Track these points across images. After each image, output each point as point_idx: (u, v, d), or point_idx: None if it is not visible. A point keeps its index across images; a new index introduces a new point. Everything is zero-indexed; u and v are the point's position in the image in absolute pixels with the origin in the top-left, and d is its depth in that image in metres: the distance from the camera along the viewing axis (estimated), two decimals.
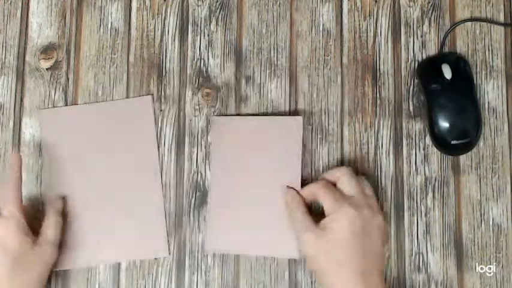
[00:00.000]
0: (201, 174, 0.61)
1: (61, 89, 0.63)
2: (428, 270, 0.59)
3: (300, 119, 0.61)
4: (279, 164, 0.60)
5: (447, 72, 0.59)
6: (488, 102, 0.62)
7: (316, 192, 0.57)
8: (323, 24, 0.64)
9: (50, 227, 0.56)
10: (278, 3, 0.64)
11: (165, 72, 0.63)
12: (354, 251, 0.53)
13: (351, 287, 0.52)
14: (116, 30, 0.64)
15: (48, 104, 0.63)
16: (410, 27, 0.63)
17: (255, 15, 0.64)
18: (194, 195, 0.61)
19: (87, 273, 0.60)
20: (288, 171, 0.60)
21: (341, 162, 0.61)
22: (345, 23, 0.64)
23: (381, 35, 0.63)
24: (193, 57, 0.63)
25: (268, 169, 0.60)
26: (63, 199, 0.60)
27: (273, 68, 0.63)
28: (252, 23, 0.64)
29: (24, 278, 0.53)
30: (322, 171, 0.61)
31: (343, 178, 0.56)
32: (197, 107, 0.63)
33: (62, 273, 0.60)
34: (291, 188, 0.59)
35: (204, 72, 0.63)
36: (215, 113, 0.62)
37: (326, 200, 0.55)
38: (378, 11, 0.64)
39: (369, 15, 0.64)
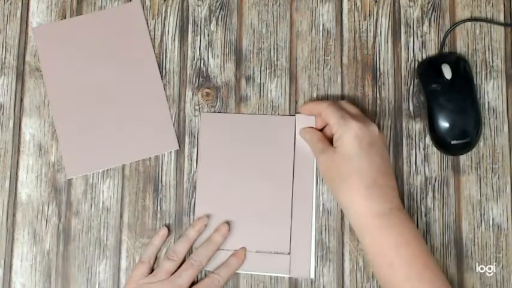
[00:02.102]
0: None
1: None
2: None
3: (292, 118, 0.61)
4: (270, 163, 0.61)
5: (447, 72, 0.59)
6: (488, 102, 0.62)
7: (322, 112, 0.57)
8: (323, 24, 0.64)
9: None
10: (278, 3, 0.64)
11: (165, 72, 0.63)
12: (362, 163, 0.53)
13: (358, 195, 0.53)
14: None
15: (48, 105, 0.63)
16: (410, 27, 0.63)
17: (255, 15, 0.64)
18: (194, 194, 0.61)
19: (87, 273, 0.60)
20: (279, 171, 0.60)
21: None
22: (345, 23, 0.64)
23: (380, 35, 0.63)
24: (193, 57, 0.63)
25: (258, 168, 0.61)
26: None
27: (273, 68, 0.63)
28: (252, 23, 0.64)
29: None
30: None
31: (328, 110, 0.56)
32: (197, 107, 0.63)
33: (62, 273, 0.60)
34: (306, 127, 0.60)
35: (204, 72, 0.63)
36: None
37: (332, 119, 0.56)
38: (377, 11, 0.64)
39: (369, 15, 0.64)
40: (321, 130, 0.60)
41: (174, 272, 0.57)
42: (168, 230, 0.60)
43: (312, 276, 0.59)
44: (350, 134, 0.54)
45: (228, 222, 0.60)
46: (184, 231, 0.60)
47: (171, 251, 0.58)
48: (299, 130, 0.61)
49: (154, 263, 0.59)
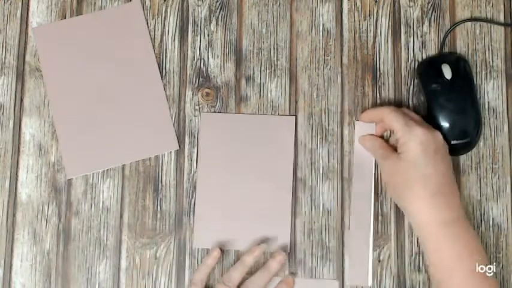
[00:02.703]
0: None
1: None
2: (429, 270, 0.59)
3: (292, 118, 0.61)
4: (270, 163, 0.61)
5: (447, 72, 0.59)
6: (488, 102, 0.62)
7: (385, 118, 0.57)
8: (323, 24, 0.64)
9: None
10: (278, 3, 0.64)
11: (165, 72, 0.63)
12: (427, 170, 0.53)
13: (423, 203, 0.53)
14: None
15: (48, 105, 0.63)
16: (410, 27, 0.63)
17: (255, 15, 0.64)
18: (194, 194, 0.61)
19: (87, 273, 0.60)
20: (279, 171, 0.60)
21: (341, 162, 0.61)
22: (345, 23, 0.64)
23: (380, 35, 0.63)
24: (193, 57, 0.63)
25: (258, 168, 0.61)
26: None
27: (273, 68, 0.63)
28: (252, 23, 0.64)
29: None
30: (322, 171, 0.61)
31: (391, 115, 0.56)
32: (197, 107, 0.63)
33: (62, 273, 0.60)
34: (365, 135, 0.60)
35: (204, 72, 0.63)
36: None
37: (396, 125, 0.55)
38: (377, 11, 0.64)
39: (369, 15, 0.64)
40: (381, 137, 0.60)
41: None
42: (221, 251, 0.59)
43: (370, 284, 0.59)
44: (415, 141, 0.54)
45: (283, 250, 0.59)
46: (184, 231, 0.60)
47: (226, 276, 0.56)
48: (358, 138, 0.60)
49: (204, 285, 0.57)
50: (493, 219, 0.60)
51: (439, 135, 0.55)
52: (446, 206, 0.53)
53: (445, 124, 0.59)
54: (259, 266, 0.58)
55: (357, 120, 0.62)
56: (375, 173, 0.61)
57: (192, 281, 0.57)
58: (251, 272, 0.57)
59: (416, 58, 0.63)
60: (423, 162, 0.53)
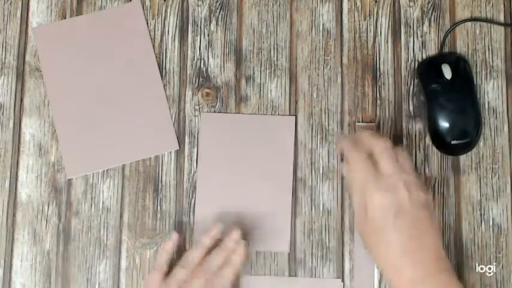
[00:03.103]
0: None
1: None
2: None
3: (292, 118, 0.61)
4: (270, 163, 0.61)
5: (447, 72, 0.59)
6: (488, 102, 0.62)
7: (352, 163, 0.52)
8: (323, 24, 0.64)
9: None
10: (278, 3, 0.64)
11: (165, 72, 0.63)
12: (389, 236, 0.49)
13: (388, 265, 0.50)
14: None
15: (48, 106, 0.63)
16: (410, 27, 0.63)
17: (255, 15, 0.64)
18: (194, 194, 0.61)
19: (87, 273, 0.60)
20: (279, 171, 0.60)
21: (341, 162, 0.61)
22: (345, 23, 0.64)
23: (380, 35, 0.63)
24: (193, 57, 0.63)
25: (258, 168, 0.61)
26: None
27: (273, 68, 0.63)
28: (252, 23, 0.64)
29: None
30: (322, 171, 0.61)
31: (379, 151, 0.52)
32: (197, 107, 0.63)
33: (62, 273, 0.60)
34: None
35: (204, 72, 0.63)
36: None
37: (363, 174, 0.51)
38: (378, 11, 0.64)
39: (369, 15, 0.64)
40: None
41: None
42: (178, 233, 0.59)
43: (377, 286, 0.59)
44: (373, 208, 0.50)
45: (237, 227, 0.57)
46: (184, 231, 0.60)
47: (184, 258, 0.56)
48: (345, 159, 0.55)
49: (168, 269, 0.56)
50: (493, 219, 0.60)
51: (401, 193, 0.50)
52: (413, 265, 0.49)
53: (445, 124, 0.59)
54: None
55: (358, 122, 0.62)
56: None
57: (154, 267, 0.56)
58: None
59: (416, 58, 0.63)
60: (382, 229, 0.50)
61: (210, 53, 0.63)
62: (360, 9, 0.64)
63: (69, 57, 0.63)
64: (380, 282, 0.59)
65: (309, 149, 0.62)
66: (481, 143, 0.61)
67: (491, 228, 0.60)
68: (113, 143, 0.62)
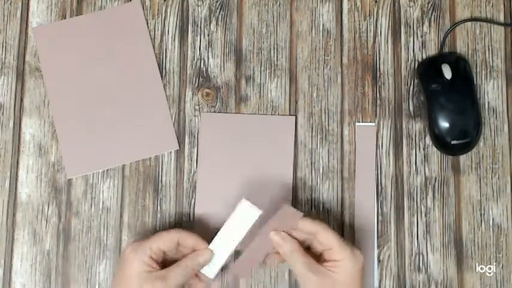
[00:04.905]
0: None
1: None
2: (428, 270, 0.59)
3: (292, 118, 0.61)
4: (270, 163, 0.61)
5: (447, 72, 0.59)
6: (488, 102, 0.62)
7: (321, 232, 0.52)
8: (323, 24, 0.64)
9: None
10: (278, 3, 0.64)
11: (165, 72, 0.63)
12: None
13: None
14: None
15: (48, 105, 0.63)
16: (410, 27, 0.63)
17: (255, 15, 0.64)
18: (194, 194, 0.61)
19: (87, 273, 0.60)
20: (279, 171, 0.60)
21: (341, 162, 0.61)
22: (345, 23, 0.64)
23: (380, 35, 0.63)
24: (193, 57, 0.63)
25: (259, 168, 0.61)
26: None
27: (273, 68, 0.63)
28: (252, 23, 0.64)
29: None
30: (322, 171, 0.61)
31: (329, 232, 0.52)
32: (197, 107, 0.63)
33: (62, 273, 0.60)
34: (282, 232, 0.53)
35: (204, 72, 0.63)
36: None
37: (334, 242, 0.52)
38: (378, 11, 0.64)
39: (369, 15, 0.64)
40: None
41: None
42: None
43: (376, 285, 0.59)
44: (357, 265, 0.51)
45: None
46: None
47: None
48: (271, 232, 0.53)
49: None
50: (493, 219, 0.60)
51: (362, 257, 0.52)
52: None
53: (445, 124, 0.59)
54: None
55: (358, 121, 0.62)
56: (375, 174, 0.61)
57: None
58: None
59: (416, 58, 0.63)
60: (357, 286, 0.51)
61: (210, 53, 0.64)
62: (360, 9, 0.64)
63: (69, 57, 0.63)
64: (380, 282, 0.59)
65: (309, 149, 0.62)
66: (481, 143, 0.61)
67: (491, 228, 0.60)
68: (113, 143, 0.62)
